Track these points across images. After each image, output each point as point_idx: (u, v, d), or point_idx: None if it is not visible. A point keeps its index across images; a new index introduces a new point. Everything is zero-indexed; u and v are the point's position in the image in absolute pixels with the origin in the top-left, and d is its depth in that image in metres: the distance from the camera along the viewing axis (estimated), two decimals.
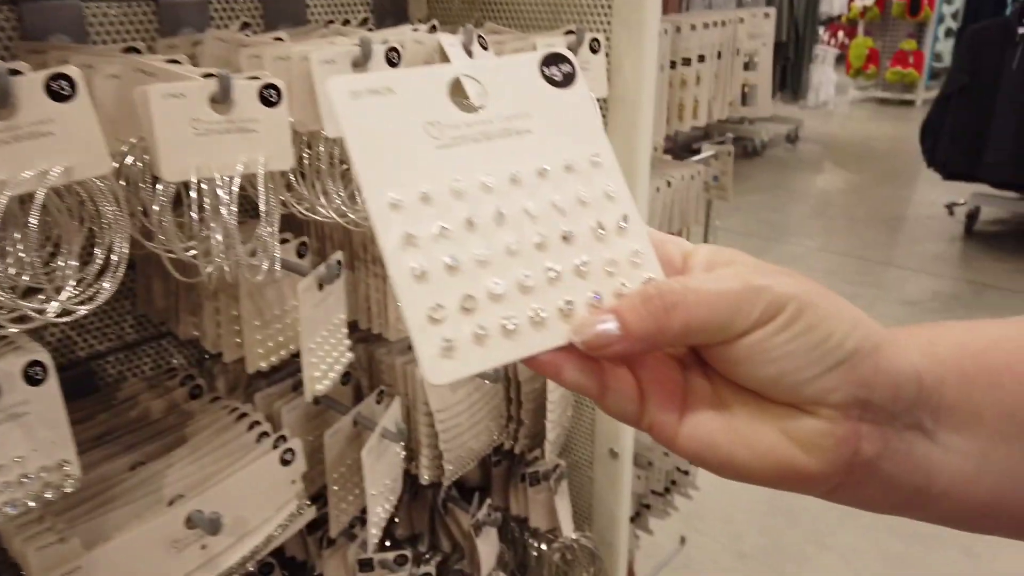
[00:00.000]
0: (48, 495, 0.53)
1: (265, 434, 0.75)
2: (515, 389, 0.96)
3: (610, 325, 0.30)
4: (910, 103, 7.18)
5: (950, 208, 4.38)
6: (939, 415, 0.33)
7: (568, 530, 1.01)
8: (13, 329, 0.48)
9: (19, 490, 0.51)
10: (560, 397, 0.97)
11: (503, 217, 0.30)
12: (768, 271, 0.32)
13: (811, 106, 6.88)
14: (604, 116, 0.91)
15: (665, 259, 0.34)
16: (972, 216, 4.11)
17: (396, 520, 1.01)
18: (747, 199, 5.49)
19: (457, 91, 0.31)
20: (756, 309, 0.30)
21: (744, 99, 1.11)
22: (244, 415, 0.78)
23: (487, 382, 0.90)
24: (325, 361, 0.71)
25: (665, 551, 1.35)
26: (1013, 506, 0.34)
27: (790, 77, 6.34)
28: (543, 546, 1.02)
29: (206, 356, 0.92)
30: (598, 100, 0.89)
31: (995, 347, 0.34)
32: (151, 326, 0.87)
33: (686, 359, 0.34)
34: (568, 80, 0.33)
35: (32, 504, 0.52)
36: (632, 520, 1.17)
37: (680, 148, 6.25)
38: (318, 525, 0.88)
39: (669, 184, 0.99)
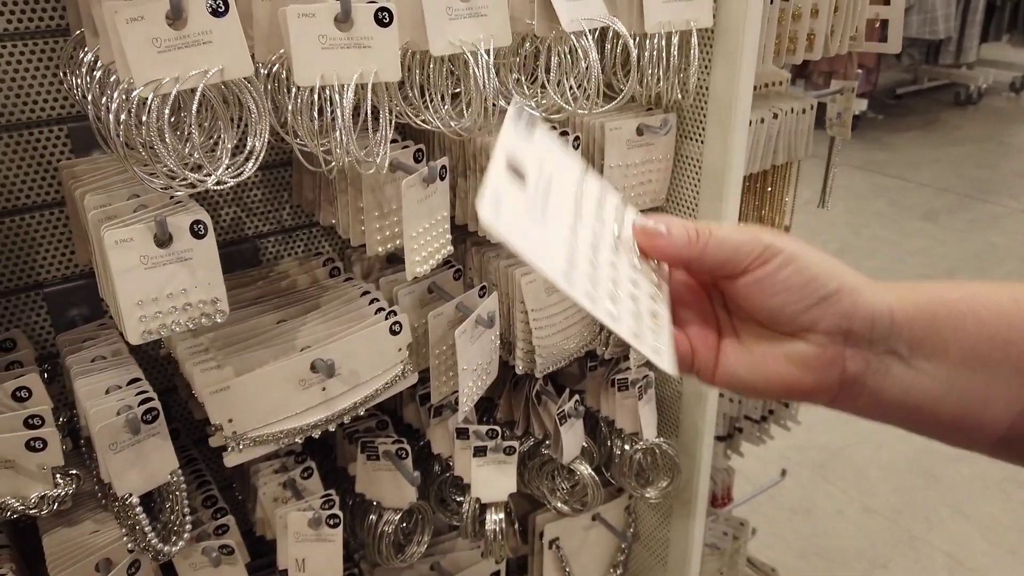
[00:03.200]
0: (204, 321, 0.70)
1: (381, 308, 0.90)
2: None
3: (661, 227, 0.44)
4: None
5: None
6: (912, 345, 0.42)
7: (650, 435, 1.10)
8: (180, 192, 0.65)
9: (183, 315, 0.69)
10: None
11: (600, 257, 0.43)
12: (774, 233, 0.44)
13: None
14: (710, 46, 0.95)
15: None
16: None
17: (498, 405, 1.14)
18: (949, 151, 5.02)
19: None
20: (756, 251, 0.43)
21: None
22: (367, 292, 0.93)
23: None
24: (426, 249, 0.84)
25: (766, 482, 1.40)
26: (974, 423, 0.43)
27: (1021, 15, 5.61)
28: (626, 447, 1.12)
29: (347, 247, 1.09)
30: (703, 31, 0.93)
31: (967, 298, 0.43)
32: (304, 216, 1.05)
33: (716, 304, 0.47)
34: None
35: (192, 327, 0.69)
36: (723, 440, 1.23)
37: (884, 93, 5.72)
38: (426, 401, 1.04)
39: (775, 116, 1.01)
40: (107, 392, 0.76)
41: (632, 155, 0.99)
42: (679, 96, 0.97)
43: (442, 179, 0.83)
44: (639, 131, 0.97)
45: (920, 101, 6.14)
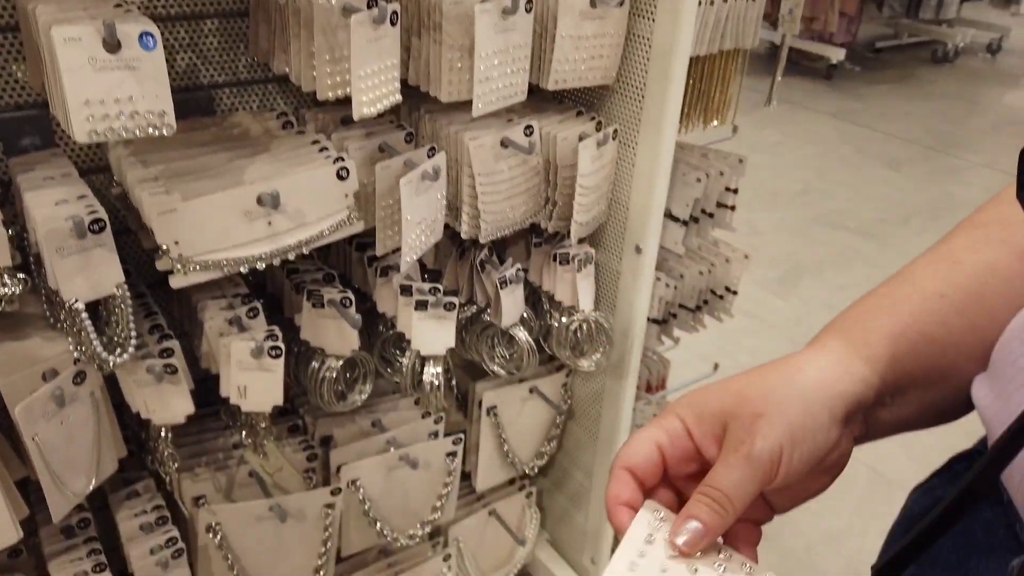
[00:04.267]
0: (151, 132, 0.73)
1: (329, 156, 0.93)
2: (553, 172, 1.09)
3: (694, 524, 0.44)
4: None
5: None
6: (891, 393, 0.48)
7: (587, 307, 1.15)
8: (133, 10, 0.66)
9: (130, 121, 0.71)
10: (593, 185, 1.09)
11: None
12: (764, 433, 0.44)
13: None
14: None
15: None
16: None
17: (442, 273, 1.19)
18: (920, 105, 5.09)
19: None
20: (768, 474, 0.43)
21: None
22: (317, 142, 0.96)
23: (526, 155, 1.03)
24: (374, 92, 0.86)
25: (699, 375, 1.47)
26: (951, 413, 0.52)
27: None
28: (563, 319, 1.17)
29: (302, 105, 1.11)
30: None
31: (913, 321, 0.49)
32: (260, 71, 1.06)
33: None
34: None
35: (138, 134, 0.72)
36: (658, 323, 1.29)
37: (863, 46, 5.74)
38: (373, 262, 1.08)
39: (725, 0, 1.04)
40: (56, 204, 0.78)
41: (585, 27, 1.01)
42: None
43: (392, 24, 0.85)
44: (592, 3, 1.00)
45: (898, 56, 6.17)
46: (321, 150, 0.95)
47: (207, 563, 1.01)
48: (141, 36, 0.70)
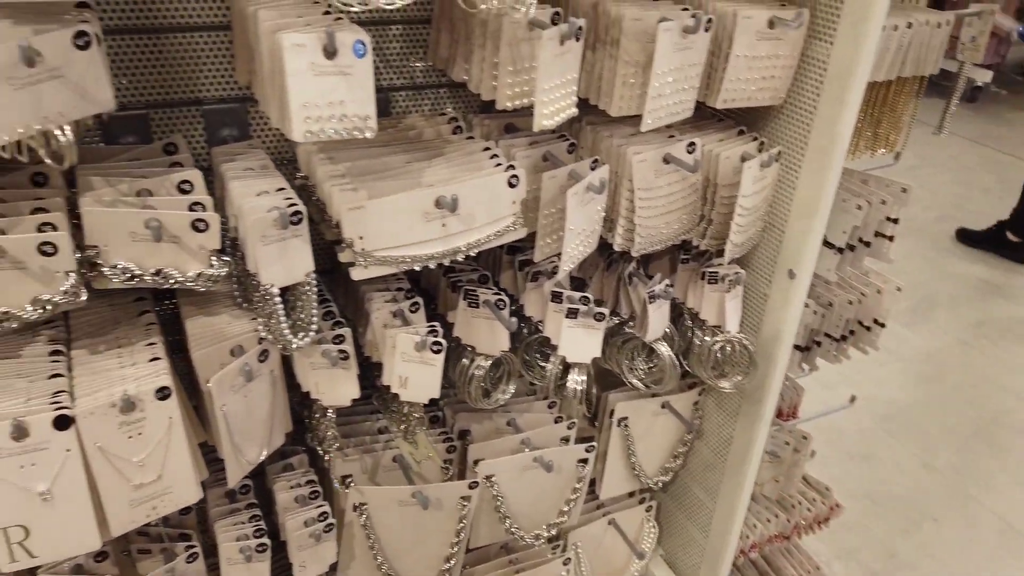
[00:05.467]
0: (356, 134, 0.77)
1: (500, 163, 0.96)
2: (712, 191, 1.09)
3: None
4: None
5: None
6: None
7: (732, 328, 1.14)
8: (356, 9, 0.71)
9: (339, 123, 0.76)
10: (752, 206, 1.08)
11: None
12: None
13: None
14: None
15: None
16: None
17: (589, 284, 1.20)
18: None
19: None
20: None
21: None
22: (488, 148, 0.99)
23: (688, 172, 1.03)
24: (554, 105, 0.89)
25: (834, 405, 1.43)
26: None
27: None
28: (706, 338, 1.17)
29: (469, 111, 1.15)
30: None
31: None
32: (434, 76, 1.11)
33: None
34: None
35: (345, 135, 0.76)
36: (801, 350, 1.27)
37: (1012, 69, 5.38)
38: (524, 267, 1.11)
39: (910, 26, 1.00)
40: (258, 195, 0.85)
41: (760, 47, 1.00)
42: None
43: (577, 40, 0.88)
44: (771, 23, 0.99)
45: None
46: (492, 157, 0.98)
47: (350, 540, 1.07)
48: (355, 44, 0.75)
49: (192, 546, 0.96)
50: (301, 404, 1.05)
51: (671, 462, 1.35)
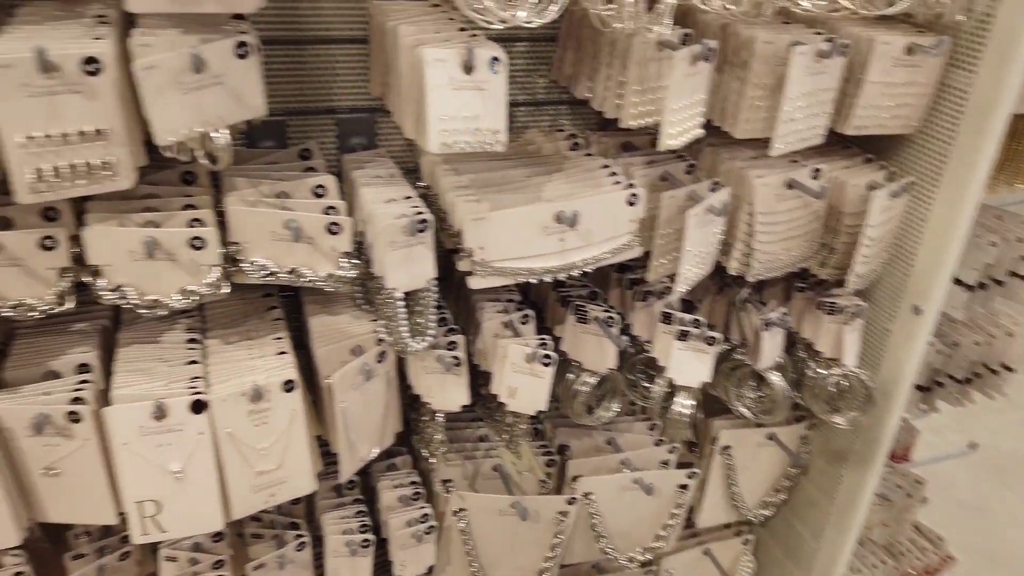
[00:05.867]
0: (486, 147, 0.80)
1: (619, 181, 0.96)
2: (835, 219, 1.06)
3: None
4: None
5: None
6: None
7: (851, 362, 1.10)
8: (498, 27, 0.73)
9: (472, 136, 0.78)
10: (879, 236, 1.04)
11: None
12: None
13: None
14: None
15: None
16: None
17: (696, 305, 1.19)
18: None
19: None
20: None
21: None
22: (607, 166, 1.00)
23: (813, 198, 1.01)
24: (681, 125, 0.88)
25: (951, 451, 1.35)
26: None
27: None
28: (821, 370, 1.13)
29: (587, 128, 1.17)
30: None
31: None
32: (555, 92, 1.12)
33: None
34: None
35: (477, 148, 0.79)
36: (921, 390, 1.21)
37: None
38: (633, 286, 1.10)
39: None
40: (387, 202, 0.88)
41: (896, 74, 0.97)
42: (960, 18, 0.95)
43: (708, 61, 0.87)
44: (909, 50, 0.96)
45: None
46: (611, 175, 0.98)
47: (447, 544, 1.08)
48: (491, 60, 0.77)
49: (301, 535, 1.00)
50: (409, 407, 1.08)
51: (773, 496, 1.31)
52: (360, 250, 0.91)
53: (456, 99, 0.76)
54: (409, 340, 0.89)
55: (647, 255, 1.02)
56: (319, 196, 0.88)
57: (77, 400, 0.79)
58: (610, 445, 1.20)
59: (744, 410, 1.15)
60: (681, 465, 1.18)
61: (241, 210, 0.81)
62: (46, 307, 0.77)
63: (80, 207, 0.79)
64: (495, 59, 0.77)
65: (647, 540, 1.20)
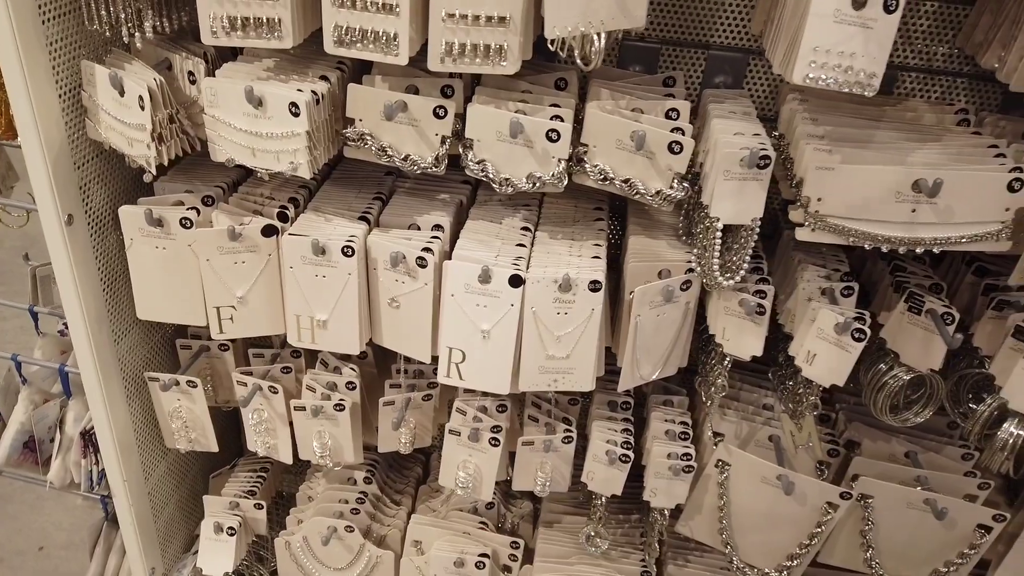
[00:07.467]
0: (857, 90, 0.75)
1: (1004, 164, 0.84)
2: None
3: None
4: None
5: None
6: None
7: None
8: None
9: (842, 75, 0.74)
10: None
11: None
12: None
13: None
14: None
15: None
16: None
17: None
18: None
19: None
20: None
21: None
22: (995, 146, 0.88)
23: None
24: None
25: None
26: None
27: None
28: None
29: (982, 108, 1.03)
30: None
31: None
32: (957, 62, 1.01)
33: None
34: None
35: (845, 89, 0.75)
36: None
37: None
38: (989, 291, 0.96)
39: None
40: (735, 134, 0.88)
41: None
42: None
43: None
44: None
45: None
46: (997, 155, 0.87)
47: (702, 492, 1.08)
48: None
49: (570, 431, 1.08)
50: (700, 350, 1.08)
51: None
52: (695, 179, 0.93)
53: (836, 32, 0.73)
54: (719, 275, 0.89)
55: (1016, 258, 0.89)
56: (670, 119, 0.91)
57: (427, 250, 0.93)
58: (908, 459, 1.09)
59: None
60: (988, 504, 1.03)
61: (597, 113, 0.87)
62: (426, 165, 0.91)
63: (469, 92, 0.91)
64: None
65: (923, 571, 1.07)
